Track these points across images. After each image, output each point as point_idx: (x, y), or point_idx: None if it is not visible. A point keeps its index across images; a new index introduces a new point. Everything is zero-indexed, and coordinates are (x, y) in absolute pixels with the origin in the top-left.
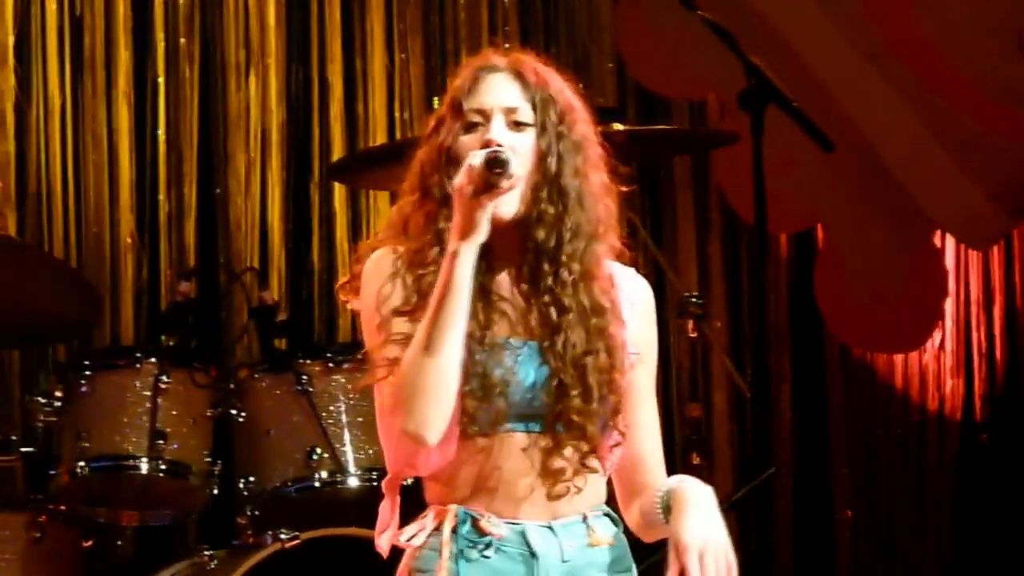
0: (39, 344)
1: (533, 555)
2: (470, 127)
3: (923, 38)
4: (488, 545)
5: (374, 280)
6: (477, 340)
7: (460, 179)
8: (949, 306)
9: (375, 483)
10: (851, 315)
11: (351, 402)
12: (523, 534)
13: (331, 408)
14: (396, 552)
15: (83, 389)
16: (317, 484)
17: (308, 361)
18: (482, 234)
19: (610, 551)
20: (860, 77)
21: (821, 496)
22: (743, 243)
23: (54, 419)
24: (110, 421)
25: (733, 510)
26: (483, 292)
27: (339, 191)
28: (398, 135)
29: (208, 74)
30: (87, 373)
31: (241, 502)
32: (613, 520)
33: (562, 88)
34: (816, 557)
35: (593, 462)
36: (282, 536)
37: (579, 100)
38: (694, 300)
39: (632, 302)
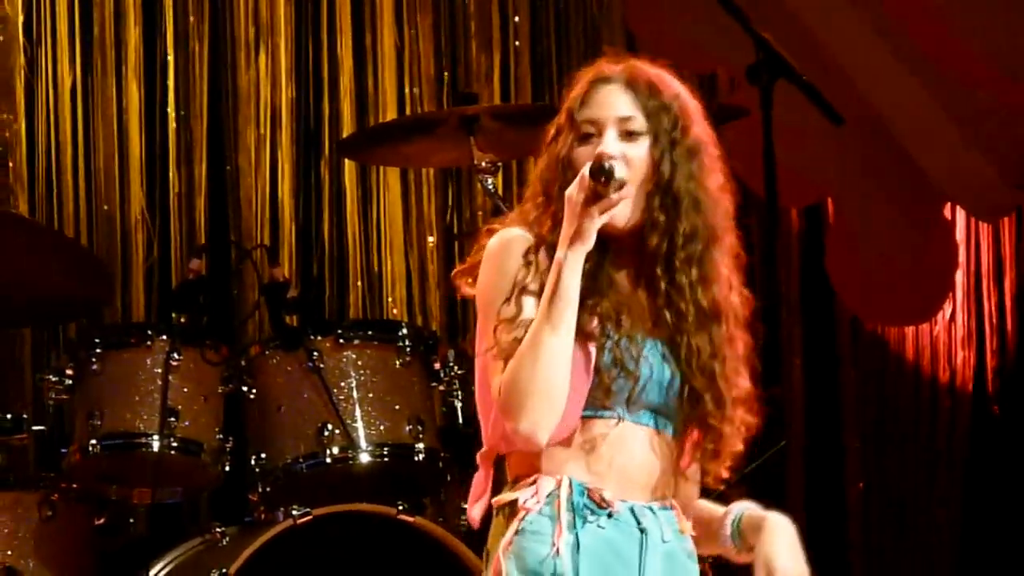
0: (50, 322)
1: (643, 531)
2: (584, 138)
3: (933, 11)
4: (604, 516)
5: (509, 259)
6: (614, 326)
7: (571, 189)
8: (960, 278)
9: (386, 459)
10: (862, 288)
11: (362, 378)
12: (632, 510)
13: (342, 384)
14: (485, 524)
15: (94, 367)
16: (328, 460)
17: (319, 338)
18: (589, 243)
19: (690, 541)
20: (870, 50)
21: (833, 468)
22: (754, 217)
23: (65, 397)
24: (121, 399)
25: (744, 483)
26: (611, 286)
27: (349, 167)
28: (408, 111)
29: (218, 51)
30: (98, 351)
31: (253, 479)
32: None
33: (677, 94)
34: (828, 529)
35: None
36: (294, 513)
37: (695, 104)
38: None
39: None
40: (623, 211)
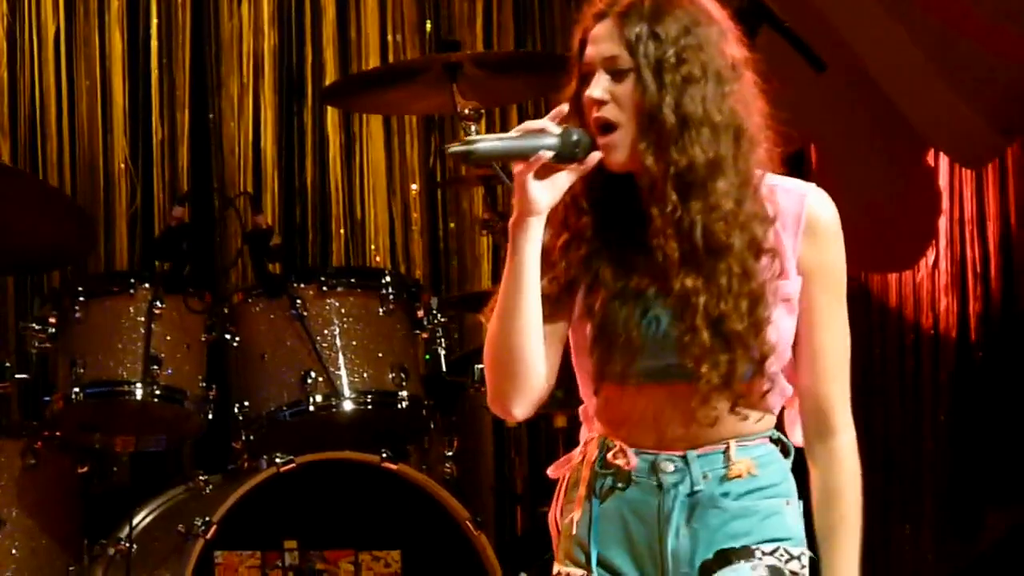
0: (33, 271)
1: (660, 486)
2: (584, 79)
3: None
4: (621, 476)
5: None
6: (611, 292)
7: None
8: (943, 225)
9: (369, 407)
10: (845, 235)
11: (345, 326)
12: (654, 464)
13: (325, 332)
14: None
15: (77, 315)
16: (312, 408)
17: (302, 285)
18: (537, 212)
19: (752, 480)
20: None
21: None
22: None
23: (48, 346)
24: (104, 347)
25: None
26: (619, 243)
27: (332, 115)
28: (391, 58)
29: None
30: (81, 299)
31: (236, 427)
32: (781, 445)
33: (677, 16)
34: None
35: (744, 410)
36: (277, 460)
37: (717, 27)
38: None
39: (785, 219)
40: (617, 152)
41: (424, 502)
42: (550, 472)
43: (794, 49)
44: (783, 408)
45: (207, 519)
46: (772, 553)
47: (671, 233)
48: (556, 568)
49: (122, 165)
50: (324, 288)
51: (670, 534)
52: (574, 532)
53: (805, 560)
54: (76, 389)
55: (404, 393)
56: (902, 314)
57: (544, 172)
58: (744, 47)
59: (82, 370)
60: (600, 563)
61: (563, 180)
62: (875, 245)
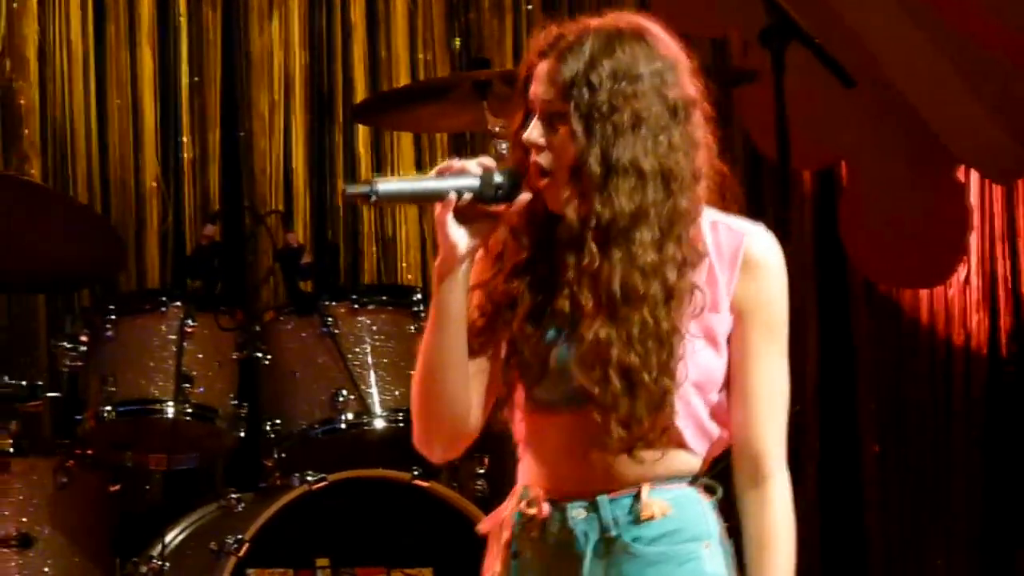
0: (64, 289)
1: (572, 534)
2: (527, 116)
3: None
4: (536, 526)
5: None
6: (526, 311)
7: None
8: (973, 241)
9: (400, 424)
10: (876, 251)
11: (376, 344)
12: (565, 512)
13: (356, 350)
14: None
15: (109, 333)
16: (343, 426)
17: (333, 303)
18: (456, 251)
19: (666, 523)
20: (881, 12)
21: (848, 432)
22: (766, 180)
23: (80, 364)
24: (136, 365)
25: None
26: (545, 273)
27: (362, 132)
28: (421, 76)
29: (230, 17)
30: (112, 318)
31: (268, 445)
32: (703, 487)
33: (616, 58)
34: (844, 493)
35: (645, 452)
36: (309, 478)
37: (656, 63)
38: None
39: (723, 254)
40: (551, 203)
41: (456, 519)
42: (480, 528)
43: (823, 65)
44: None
45: (239, 537)
46: None
47: (585, 283)
48: None
49: (153, 183)
50: (355, 306)
51: None
52: None
53: None
54: (108, 407)
55: None
56: (933, 330)
57: (468, 215)
58: (696, 82)
59: (113, 388)
60: None
61: (487, 224)
62: (906, 261)
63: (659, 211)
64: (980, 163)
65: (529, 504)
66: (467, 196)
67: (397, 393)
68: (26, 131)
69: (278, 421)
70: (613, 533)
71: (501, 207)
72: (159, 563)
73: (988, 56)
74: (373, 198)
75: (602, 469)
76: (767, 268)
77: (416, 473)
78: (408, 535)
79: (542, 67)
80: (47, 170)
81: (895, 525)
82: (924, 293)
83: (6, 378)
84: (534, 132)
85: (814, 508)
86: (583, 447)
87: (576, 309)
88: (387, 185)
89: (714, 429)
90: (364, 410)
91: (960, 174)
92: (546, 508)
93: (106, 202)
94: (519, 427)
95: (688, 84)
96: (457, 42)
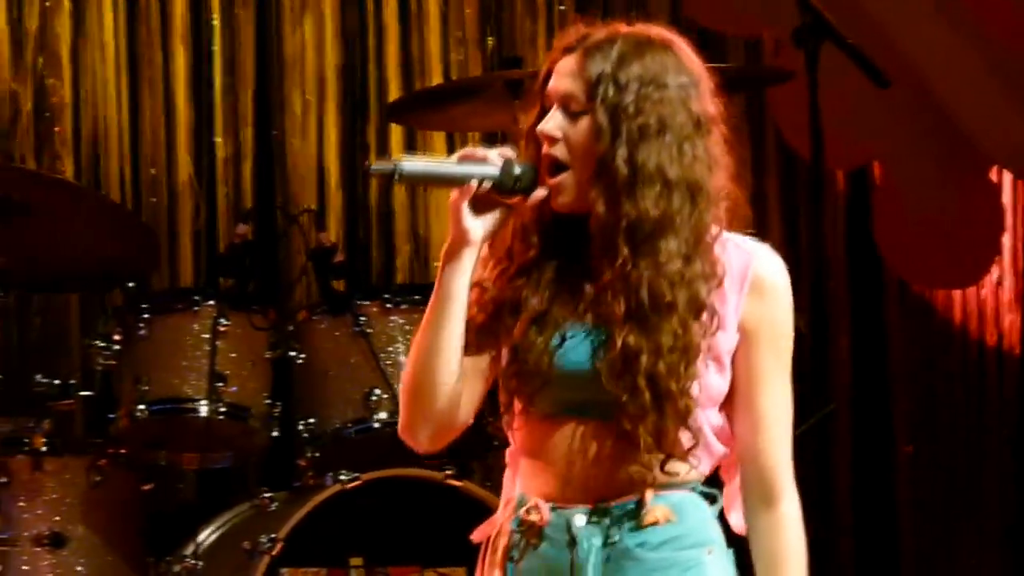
0: (97, 288)
1: (573, 541)
2: (543, 112)
3: None
4: (535, 533)
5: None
6: (533, 321)
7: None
8: (1007, 241)
9: None
10: (909, 251)
11: (409, 343)
12: (567, 519)
13: (389, 349)
14: None
15: (142, 332)
16: (376, 425)
17: (366, 302)
18: (468, 239)
19: (669, 529)
20: (915, 12)
21: (881, 432)
22: (800, 180)
23: (113, 363)
24: (169, 364)
25: (793, 448)
26: (556, 272)
27: (395, 132)
28: (453, 75)
29: (264, 16)
30: (145, 316)
31: (301, 444)
32: (707, 496)
33: (645, 63)
34: (876, 493)
35: (670, 465)
36: (342, 477)
37: (688, 79)
38: (751, 238)
39: (732, 276)
40: (563, 198)
41: (489, 519)
42: (473, 537)
43: (857, 66)
44: (720, 478)
45: (273, 536)
46: None
47: (619, 288)
48: None
49: (186, 182)
50: (388, 305)
51: None
52: None
53: None
54: (141, 406)
55: None
56: (966, 331)
57: (483, 203)
58: (717, 102)
59: (147, 387)
60: None
61: (502, 214)
62: (938, 262)
63: (684, 221)
64: (1015, 164)
65: (529, 511)
66: (486, 184)
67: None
68: (58, 129)
69: (311, 420)
70: (616, 539)
71: (516, 199)
72: (192, 562)
73: (1021, 56)
74: (397, 176)
75: (604, 476)
76: (775, 289)
77: (449, 472)
78: (441, 534)
79: (567, 62)
80: (80, 168)
81: (928, 524)
82: (957, 293)
83: (39, 377)
84: (551, 123)
85: (847, 507)
86: (585, 453)
87: (608, 314)
88: (411, 165)
89: (716, 446)
90: (397, 409)
91: (993, 174)
92: (547, 514)
93: (139, 201)
94: (516, 434)
95: (710, 102)
96: (490, 41)
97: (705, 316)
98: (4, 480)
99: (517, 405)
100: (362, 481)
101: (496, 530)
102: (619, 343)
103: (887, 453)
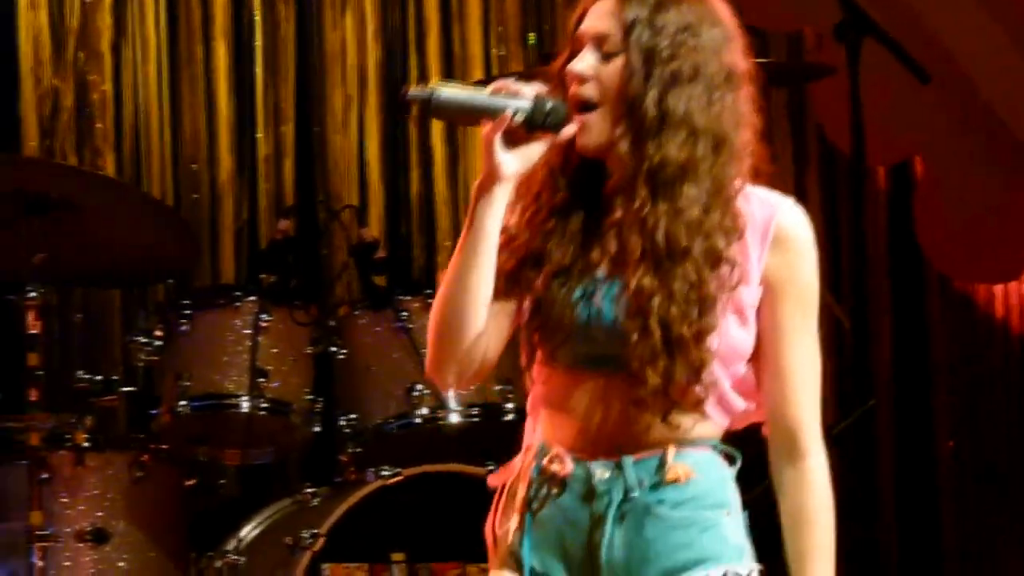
0: (139, 284)
1: (593, 493)
2: (574, 53)
3: None
4: (556, 483)
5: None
6: (554, 268)
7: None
8: None
9: (475, 419)
10: (950, 246)
11: None
12: (588, 470)
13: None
14: None
15: (183, 328)
16: (418, 421)
17: (408, 297)
18: (501, 173)
19: (690, 487)
20: (956, 6)
21: (922, 427)
22: (841, 176)
23: (155, 359)
24: (210, 360)
25: (834, 443)
26: (581, 224)
27: (437, 127)
28: (494, 71)
29: (304, 12)
30: (187, 312)
31: (342, 439)
32: (728, 455)
33: (681, 10)
34: (918, 488)
35: (677, 417)
36: (384, 473)
37: (724, 34)
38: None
39: (756, 226)
40: (589, 138)
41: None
42: (490, 481)
43: (898, 60)
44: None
45: (314, 531)
46: None
47: (634, 228)
48: None
49: (227, 178)
50: (430, 300)
51: (604, 543)
52: (510, 541)
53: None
54: (183, 402)
55: (510, 405)
56: (1007, 325)
57: (515, 139)
58: (748, 59)
59: (188, 383)
60: (534, 573)
61: (534, 151)
62: (980, 256)
63: (707, 170)
64: None
65: (551, 460)
66: (519, 118)
67: (472, 387)
68: (100, 125)
69: (353, 416)
70: (637, 495)
71: (547, 136)
72: (234, 558)
73: None
74: (432, 104)
75: (626, 430)
76: (798, 242)
77: (491, 468)
78: (483, 530)
79: (603, 3)
80: (121, 164)
81: (969, 519)
82: (998, 288)
83: (81, 373)
84: (582, 63)
85: (889, 502)
86: (608, 408)
87: (623, 254)
88: (448, 92)
89: (737, 402)
90: (439, 404)
91: None
92: (569, 465)
93: (180, 197)
94: (538, 385)
95: (741, 58)
96: (532, 37)
97: (724, 269)
98: (46, 476)
99: (540, 356)
100: (404, 476)
101: (515, 476)
102: (633, 284)
103: (928, 448)
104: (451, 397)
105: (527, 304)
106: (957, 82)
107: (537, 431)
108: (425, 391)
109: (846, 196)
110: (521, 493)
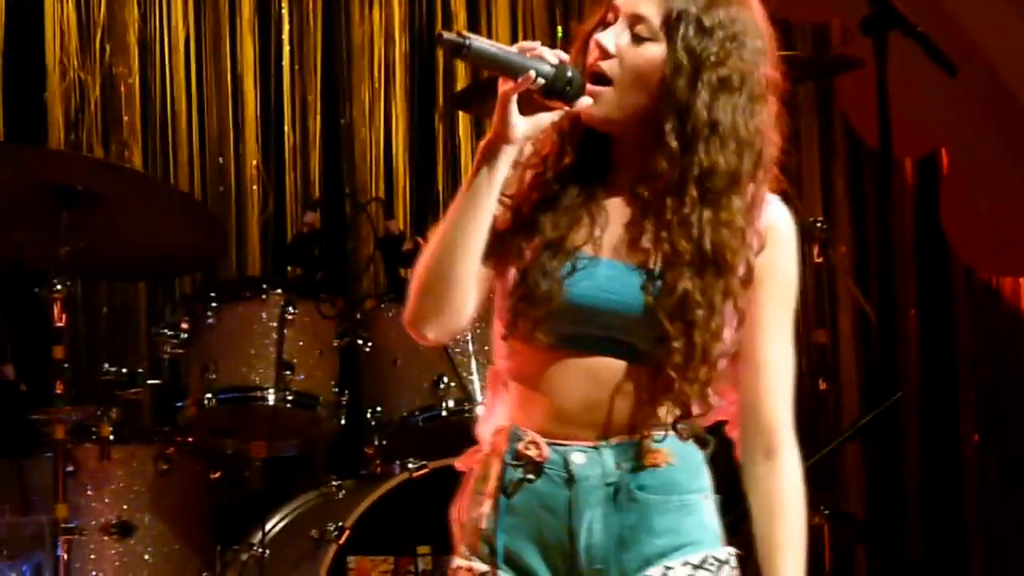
0: (165, 277)
1: (572, 479)
2: (602, 23)
3: None
4: (532, 468)
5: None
6: (545, 241)
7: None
8: None
9: None
10: (976, 238)
11: (477, 330)
12: (565, 456)
13: (457, 337)
14: None
15: (209, 321)
16: (444, 413)
17: None
18: (511, 135)
19: (668, 471)
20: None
21: (948, 420)
22: (868, 168)
23: (181, 351)
24: (237, 353)
25: (860, 436)
26: (575, 198)
27: (463, 120)
28: None
29: (331, 5)
30: (213, 305)
31: (368, 432)
32: (700, 440)
33: (732, 14)
34: (943, 481)
35: (666, 409)
36: (410, 465)
37: (762, 45)
38: (819, 226)
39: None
40: (598, 110)
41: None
42: (458, 464)
43: (925, 53)
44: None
45: (340, 524)
46: (701, 565)
47: (681, 232)
48: (456, 562)
49: (254, 171)
50: None
51: (582, 528)
52: (482, 526)
53: (734, 561)
54: (208, 395)
55: None
56: None
57: (529, 105)
58: (777, 73)
59: (214, 376)
60: (508, 559)
61: (545, 119)
62: (1006, 249)
63: (746, 183)
64: None
65: (527, 446)
66: (540, 81)
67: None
68: (126, 118)
69: (379, 408)
70: (615, 479)
71: (562, 105)
72: (259, 550)
73: None
74: (466, 49)
75: (606, 415)
76: (779, 232)
77: None
78: None
79: None
80: (147, 157)
81: (995, 513)
82: None
83: (107, 366)
84: (609, 37)
85: (915, 497)
86: (587, 391)
87: (675, 256)
88: (480, 43)
89: (713, 399)
90: (465, 397)
91: None
92: (546, 450)
93: (206, 189)
94: (513, 360)
95: (772, 71)
96: (559, 30)
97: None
98: (72, 469)
99: (519, 331)
100: (430, 469)
101: (485, 460)
102: (678, 288)
103: (954, 441)
104: (477, 390)
105: (513, 272)
106: (984, 75)
107: (504, 410)
108: (451, 383)
109: (873, 189)
110: (494, 478)
